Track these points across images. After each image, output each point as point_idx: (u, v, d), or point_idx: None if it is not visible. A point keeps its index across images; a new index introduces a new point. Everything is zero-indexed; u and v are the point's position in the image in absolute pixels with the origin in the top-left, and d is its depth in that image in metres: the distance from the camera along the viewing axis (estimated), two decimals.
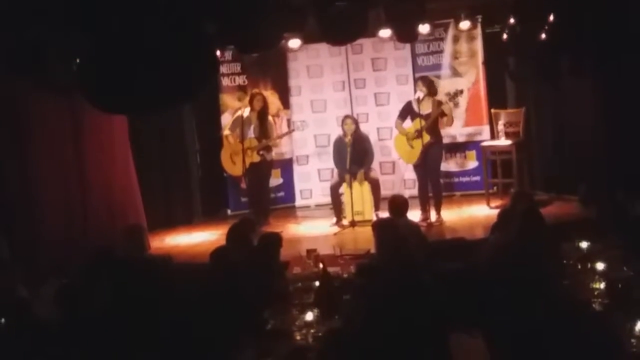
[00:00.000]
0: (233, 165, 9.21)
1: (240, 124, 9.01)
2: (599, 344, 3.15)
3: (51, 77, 6.64)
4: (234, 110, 9.79)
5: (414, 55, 10.27)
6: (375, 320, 3.81)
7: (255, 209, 9.22)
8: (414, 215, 8.12)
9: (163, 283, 5.40)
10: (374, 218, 8.58)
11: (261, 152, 9.02)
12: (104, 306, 4.72)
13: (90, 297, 4.75)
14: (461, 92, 9.03)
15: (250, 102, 9.08)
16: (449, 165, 10.04)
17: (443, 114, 8.48)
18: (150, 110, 6.30)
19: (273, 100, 10.27)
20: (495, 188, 9.67)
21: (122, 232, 7.15)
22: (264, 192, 9.42)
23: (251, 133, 8.99)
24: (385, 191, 9.24)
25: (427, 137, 8.44)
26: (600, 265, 5.08)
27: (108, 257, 5.63)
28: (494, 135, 9.67)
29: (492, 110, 9.74)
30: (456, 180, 10.19)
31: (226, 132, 9.25)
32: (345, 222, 8.94)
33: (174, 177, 10.06)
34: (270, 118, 9.30)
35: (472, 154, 10.07)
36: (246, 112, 9.06)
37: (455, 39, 10.05)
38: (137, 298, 4.76)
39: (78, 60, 5.16)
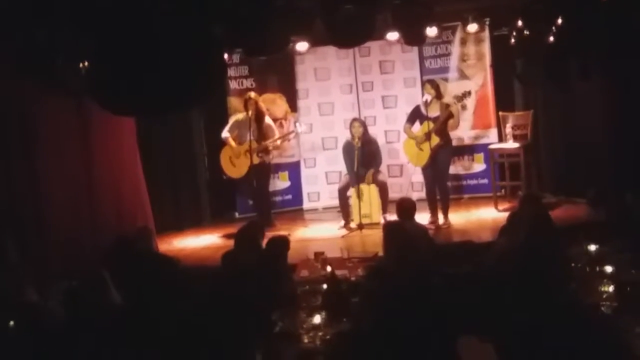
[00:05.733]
0: (233, 167, 9.22)
1: (238, 126, 9.16)
2: (608, 348, 3.14)
3: (60, 79, 6.66)
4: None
5: (422, 58, 10.27)
6: (383, 323, 3.80)
7: (258, 211, 9.25)
8: (422, 218, 8.11)
9: (172, 283, 5.43)
10: (382, 221, 8.59)
11: (260, 155, 9.04)
12: (118, 300, 4.73)
13: (99, 299, 4.75)
14: (469, 93, 9.01)
15: (245, 107, 9.10)
16: (456, 168, 10.03)
17: (451, 115, 8.48)
18: (158, 113, 6.32)
19: (280, 103, 10.30)
20: (503, 191, 9.67)
21: (130, 234, 7.16)
22: (265, 195, 9.45)
23: (251, 136, 8.97)
24: (393, 194, 9.25)
25: (435, 140, 8.44)
26: (609, 268, 5.05)
27: (127, 247, 5.73)
28: (501, 137, 9.66)
29: (500, 113, 9.74)
30: (464, 183, 10.19)
31: (224, 134, 9.26)
32: (353, 225, 8.93)
33: (182, 180, 10.10)
34: (268, 120, 9.28)
35: (480, 156, 10.07)
36: (243, 115, 9.15)
37: (463, 42, 10.06)
38: (149, 294, 4.78)
39: (87, 63, 5.18)
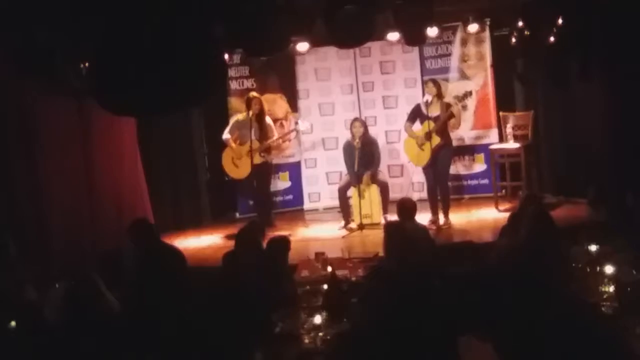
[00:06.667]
0: (236, 168, 9.20)
1: (239, 127, 9.14)
2: (608, 348, 3.14)
3: (60, 79, 6.66)
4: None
5: (422, 58, 10.27)
6: (384, 323, 3.80)
7: (259, 211, 9.25)
8: (423, 218, 8.10)
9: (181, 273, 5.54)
10: (382, 221, 8.58)
11: (262, 154, 9.04)
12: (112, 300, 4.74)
13: (92, 300, 4.74)
14: (470, 93, 9.01)
15: (248, 106, 9.09)
16: (457, 168, 10.03)
17: (452, 116, 8.48)
18: (159, 113, 6.32)
19: (281, 103, 10.29)
20: (503, 191, 9.67)
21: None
22: (266, 195, 9.45)
23: (252, 136, 8.96)
24: (394, 194, 9.24)
25: (436, 140, 8.44)
26: (609, 269, 5.05)
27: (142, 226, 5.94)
28: (502, 138, 9.65)
29: (501, 113, 9.73)
30: (465, 183, 10.18)
31: (225, 136, 9.26)
32: (353, 225, 8.93)
33: (183, 180, 10.08)
34: (269, 120, 9.26)
35: (481, 156, 10.06)
36: (243, 115, 9.14)
37: (464, 42, 10.05)
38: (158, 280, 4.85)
39: (88, 63, 5.19)
